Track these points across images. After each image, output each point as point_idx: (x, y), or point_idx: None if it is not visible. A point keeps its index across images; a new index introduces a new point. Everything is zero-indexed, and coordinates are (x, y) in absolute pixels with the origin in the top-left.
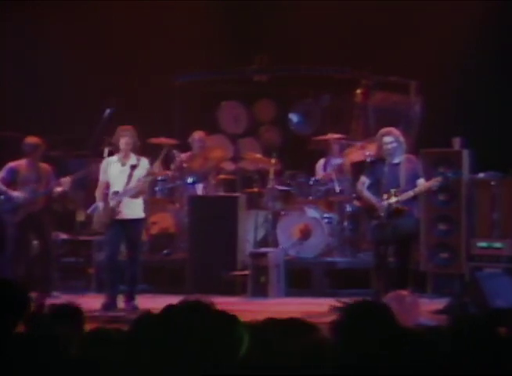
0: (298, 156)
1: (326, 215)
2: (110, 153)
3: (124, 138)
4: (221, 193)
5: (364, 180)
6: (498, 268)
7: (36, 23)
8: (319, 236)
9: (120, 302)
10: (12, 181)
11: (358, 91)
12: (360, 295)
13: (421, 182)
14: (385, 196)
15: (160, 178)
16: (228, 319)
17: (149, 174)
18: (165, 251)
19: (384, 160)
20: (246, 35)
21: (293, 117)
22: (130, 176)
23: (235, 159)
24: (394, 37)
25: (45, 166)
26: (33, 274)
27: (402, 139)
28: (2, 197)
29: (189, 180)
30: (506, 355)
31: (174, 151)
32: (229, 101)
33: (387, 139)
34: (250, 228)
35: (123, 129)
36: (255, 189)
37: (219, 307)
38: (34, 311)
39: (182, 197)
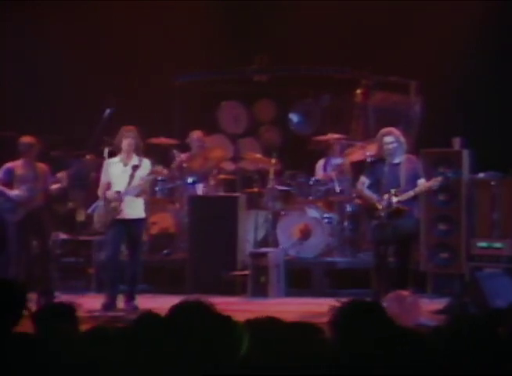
0: (298, 156)
1: (326, 215)
2: (110, 153)
3: (127, 139)
4: (221, 193)
5: (364, 180)
6: (498, 268)
7: (36, 23)
8: (319, 236)
9: (120, 302)
10: (9, 181)
11: (358, 91)
12: (360, 295)
13: (421, 182)
14: (385, 196)
15: (160, 178)
16: (228, 320)
17: (152, 173)
18: (165, 251)
19: (384, 160)
20: (246, 35)
21: (293, 117)
22: (132, 177)
23: (235, 159)
24: (394, 37)
25: (41, 165)
26: (33, 274)
27: (402, 139)
28: (1, 197)
29: (189, 180)
30: (504, 355)
31: (175, 151)
32: (229, 101)
33: (387, 139)
34: (250, 228)
35: (126, 130)
36: (255, 189)
37: (219, 307)
38: (34, 311)
39: (182, 197)
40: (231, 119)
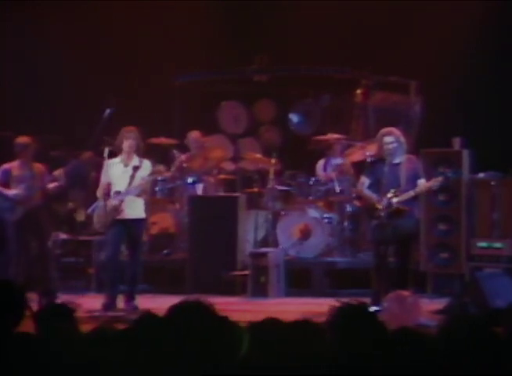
0: (298, 156)
1: (326, 215)
2: (111, 153)
3: (128, 140)
4: (221, 193)
5: (364, 180)
6: (498, 268)
7: (36, 23)
8: (319, 236)
9: (120, 302)
10: (6, 182)
11: (358, 91)
12: (360, 295)
13: (422, 183)
14: (385, 196)
15: (160, 178)
16: (227, 320)
17: (153, 173)
18: (165, 251)
19: (384, 160)
20: (246, 35)
21: (293, 117)
22: (132, 177)
23: (235, 159)
24: (394, 37)
25: (37, 165)
26: (33, 274)
27: (402, 139)
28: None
29: (189, 180)
30: (502, 355)
31: (175, 151)
32: (229, 101)
33: (387, 139)
34: (250, 228)
35: (127, 131)
36: (255, 189)
37: (219, 307)
38: (35, 311)
39: (182, 197)
40: (231, 119)
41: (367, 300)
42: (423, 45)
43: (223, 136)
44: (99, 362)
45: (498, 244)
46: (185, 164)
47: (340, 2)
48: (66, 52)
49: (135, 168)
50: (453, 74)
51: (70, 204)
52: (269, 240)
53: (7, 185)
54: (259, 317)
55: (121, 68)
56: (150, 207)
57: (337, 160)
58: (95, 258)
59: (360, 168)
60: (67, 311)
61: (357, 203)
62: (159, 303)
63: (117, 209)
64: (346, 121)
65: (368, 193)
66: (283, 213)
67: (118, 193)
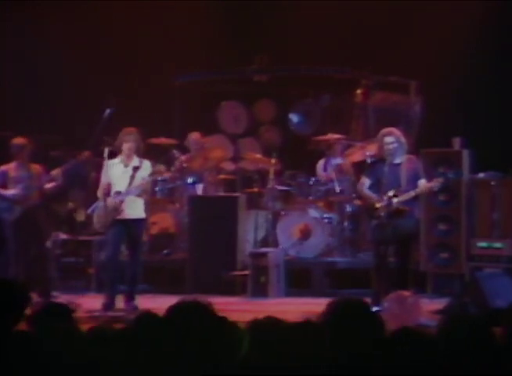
0: (298, 156)
1: (326, 215)
2: (111, 153)
3: (128, 143)
4: (221, 193)
5: (364, 180)
6: (498, 268)
7: (36, 22)
8: (319, 236)
9: (120, 302)
10: (4, 183)
11: (358, 91)
12: (360, 295)
13: (422, 183)
14: (386, 196)
15: (160, 178)
16: (225, 320)
17: (153, 172)
18: (165, 251)
19: (384, 161)
20: (246, 35)
21: (293, 117)
22: (132, 177)
23: (235, 159)
24: (394, 37)
25: (35, 165)
26: (31, 274)
27: (403, 139)
28: None
29: (189, 180)
30: (502, 355)
31: (175, 151)
32: (229, 101)
33: (388, 139)
34: (250, 228)
35: (127, 133)
36: (255, 189)
37: (219, 307)
38: (32, 311)
39: (182, 197)
40: (231, 119)
41: (367, 300)
42: (423, 45)
43: (223, 136)
44: (98, 362)
45: (498, 244)
46: (185, 165)
47: (340, 2)
48: (66, 52)
49: (135, 169)
50: (453, 74)
51: (70, 204)
52: (269, 240)
53: (5, 186)
54: (259, 317)
55: (121, 68)
56: (150, 207)
57: (337, 160)
58: (95, 258)
59: (360, 168)
60: (65, 311)
61: (358, 202)
62: (159, 303)
63: (117, 209)
64: (346, 121)
65: (368, 193)
66: (283, 213)
67: (118, 193)
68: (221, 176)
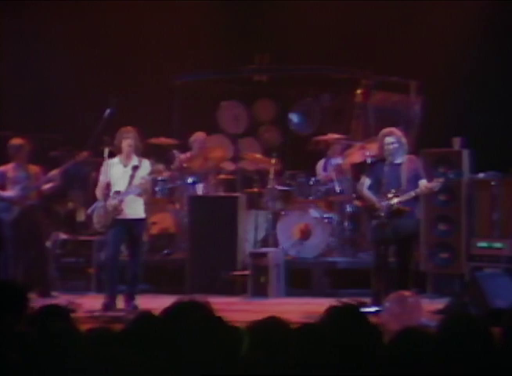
0: (298, 156)
1: (326, 215)
2: (111, 154)
3: (127, 140)
4: (221, 193)
5: (365, 180)
6: (498, 268)
7: (36, 22)
8: (319, 236)
9: (120, 302)
10: (2, 184)
11: (358, 91)
12: (360, 295)
13: (423, 183)
14: (386, 196)
15: (160, 178)
16: (223, 320)
17: (152, 172)
18: (165, 251)
19: (384, 161)
20: (246, 35)
21: (293, 117)
22: (132, 177)
23: (235, 159)
24: (394, 37)
25: (32, 166)
26: (32, 274)
27: (403, 139)
28: None
29: (189, 180)
30: (502, 355)
31: (174, 151)
32: (229, 101)
33: (389, 139)
34: (250, 228)
35: (125, 131)
36: (255, 189)
37: (219, 307)
38: (31, 311)
39: (182, 197)
40: (231, 119)
41: (367, 300)
42: (423, 45)
43: (223, 136)
44: (97, 362)
45: (498, 244)
46: (185, 164)
47: (340, 2)
48: (67, 52)
49: (135, 168)
50: (453, 74)
51: (70, 204)
52: (269, 240)
53: (3, 187)
54: (259, 317)
55: (121, 68)
56: (150, 207)
57: (337, 160)
58: (95, 258)
59: (360, 168)
60: (64, 311)
61: (357, 203)
62: (159, 303)
63: (117, 209)
64: (346, 121)
65: (368, 193)
66: (283, 213)
67: (118, 193)
68: (221, 176)
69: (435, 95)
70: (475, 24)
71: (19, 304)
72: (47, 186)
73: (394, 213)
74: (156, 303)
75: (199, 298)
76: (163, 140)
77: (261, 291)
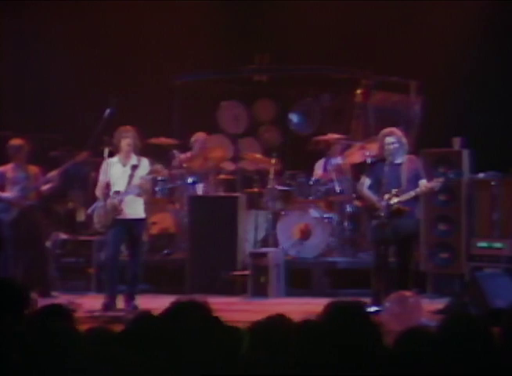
0: (298, 156)
1: (326, 215)
2: (111, 153)
3: (126, 139)
4: (221, 193)
5: (365, 180)
6: (498, 268)
7: (36, 22)
8: (319, 236)
9: (120, 302)
10: (1, 185)
11: (359, 91)
12: (360, 295)
13: (423, 183)
14: (386, 196)
15: (160, 178)
16: (221, 320)
17: (151, 172)
18: (165, 251)
19: (384, 160)
20: (246, 35)
21: (293, 117)
22: (131, 177)
23: (235, 159)
24: (394, 38)
25: (32, 167)
26: (31, 274)
27: (404, 139)
28: None
29: (189, 180)
30: (502, 355)
31: (174, 151)
32: (229, 101)
33: (389, 139)
34: (250, 228)
35: (124, 130)
36: (255, 189)
37: (219, 307)
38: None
39: (182, 197)
40: (231, 119)
41: (367, 300)
42: (423, 45)
43: (223, 136)
44: (97, 362)
45: (498, 244)
46: (185, 164)
47: (340, 2)
48: (67, 52)
49: (134, 167)
50: (453, 74)
51: (70, 204)
52: (269, 240)
53: (2, 187)
54: (259, 317)
55: (121, 68)
56: (150, 207)
57: (337, 160)
58: (95, 258)
59: (360, 168)
60: (64, 311)
61: (357, 203)
62: (159, 303)
63: (117, 209)
64: (346, 121)
65: (368, 193)
66: (283, 213)
67: (118, 192)
68: (221, 176)
69: (435, 95)
70: (475, 24)
71: (19, 304)
72: (46, 187)
73: (394, 213)
74: (156, 303)
75: (198, 298)
76: (163, 140)
77: (261, 291)
